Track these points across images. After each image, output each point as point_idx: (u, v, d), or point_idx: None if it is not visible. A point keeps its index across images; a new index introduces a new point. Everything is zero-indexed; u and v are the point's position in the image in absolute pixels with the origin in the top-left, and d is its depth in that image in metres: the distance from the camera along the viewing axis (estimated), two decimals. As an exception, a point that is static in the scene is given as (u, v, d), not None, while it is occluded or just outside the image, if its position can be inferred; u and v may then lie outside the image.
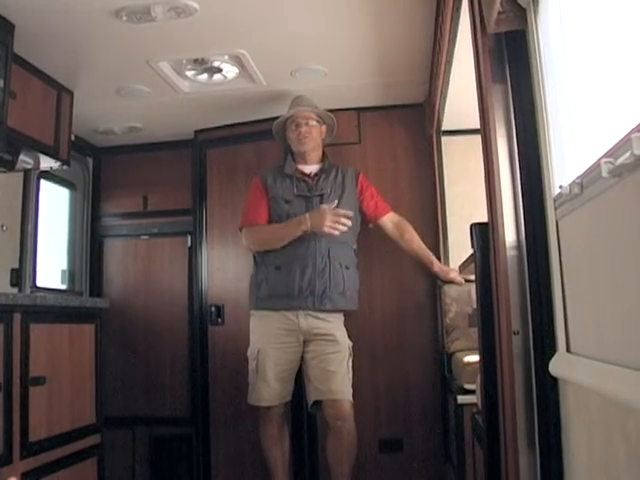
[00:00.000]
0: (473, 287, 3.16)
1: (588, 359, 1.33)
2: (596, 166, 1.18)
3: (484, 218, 1.88)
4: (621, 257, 1.15)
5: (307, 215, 3.18)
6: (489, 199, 1.80)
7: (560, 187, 1.44)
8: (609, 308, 1.24)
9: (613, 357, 1.19)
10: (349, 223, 3.16)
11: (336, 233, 3.13)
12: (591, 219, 1.32)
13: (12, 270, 3.63)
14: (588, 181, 1.26)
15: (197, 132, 4.24)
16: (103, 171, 4.51)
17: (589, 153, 1.29)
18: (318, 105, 3.46)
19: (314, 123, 3.40)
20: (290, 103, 3.47)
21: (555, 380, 1.57)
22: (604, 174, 1.09)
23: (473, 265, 2.06)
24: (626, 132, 1.04)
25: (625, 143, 1.03)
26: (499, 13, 1.65)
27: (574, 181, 1.34)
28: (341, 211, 3.16)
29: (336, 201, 3.21)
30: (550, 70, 1.61)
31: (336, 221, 3.12)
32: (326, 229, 3.12)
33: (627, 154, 1.00)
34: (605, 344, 1.27)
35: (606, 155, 1.12)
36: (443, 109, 3.45)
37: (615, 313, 1.20)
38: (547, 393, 1.60)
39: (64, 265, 4.34)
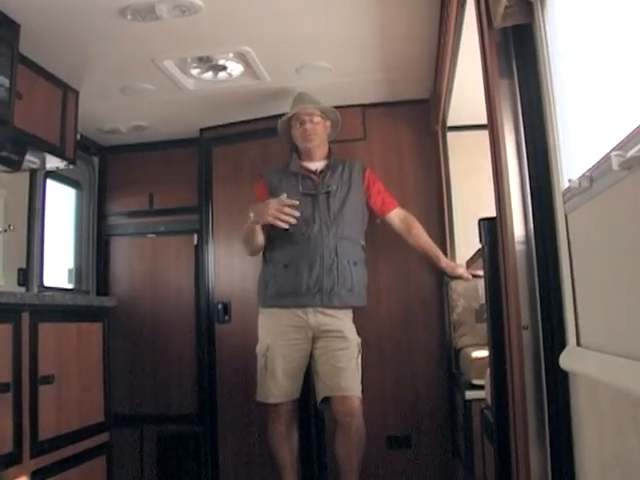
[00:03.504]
0: (480, 283, 3.18)
1: (599, 352, 1.32)
2: (606, 159, 1.18)
3: (490, 213, 1.88)
4: (632, 250, 1.15)
5: (251, 209, 3.19)
6: (497, 194, 1.79)
7: (569, 181, 1.43)
8: (619, 301, 1.23)
9: (624, 350, 1.19)
10: (296, 213, 3.13)
11: (281, 224, 3.11)
12: (601, 212, 1.32)
13: (19, 270, 3.64)
14: (598, 174, 1.26)
15: (202, 130, 4.25)
16: (109, 170, 4.52)
17: (598, 146, 1.28)
18: (320, 101, 3.45)
19: (318, 119, 3.40)
20: (292, 101, 3.47)
21: (565, 374, 1.57)
22: (614, 167, 1.09)
23: (481, 260, 2.06)
24: (637, 124, 1.03)
25: (636, 135, 1.02)
26: (506, 7, 1.65)
27: (583, 174, 1.33)
28: (286, 201, 3.13)
29: (285, 194, 3.15)
30: (557, 64, 1.61)
31: (279, 210, 3.11)
32: (270, 219, 3.12)
33: (638, 146, 1.00)
34: (616, 337, 1.26)
35: (616, 148, 1.12)
36: (448, 105, 3.45)
37: (625, 306, 1.20)
38: (557, 387, 1.60)
39: (71, 264, 4.34)
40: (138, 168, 4.43)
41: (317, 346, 3.23)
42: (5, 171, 3.25)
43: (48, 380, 2.56)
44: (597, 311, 1.39)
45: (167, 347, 4.21)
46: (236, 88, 3.61)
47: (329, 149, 3.49)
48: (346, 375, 3.14)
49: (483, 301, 3.08)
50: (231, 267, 4.04)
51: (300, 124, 3.37)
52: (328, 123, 3.47)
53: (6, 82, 2.68)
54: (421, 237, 3.50)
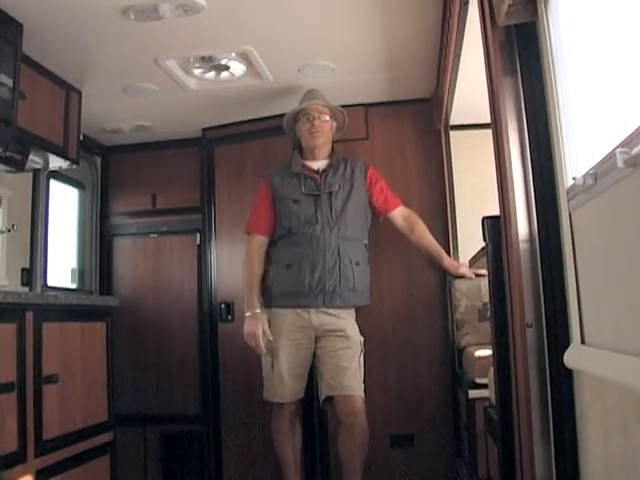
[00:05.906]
0: (483, 281, 3.18)
1: (604, 350, 1.32)
2: (611, 156, 1.18)
3: (494, 212, 1.88)
4: (637, 247, 1.14)
5: (247, 317, 3.24)
6: (501, 192, 1.79)
7: (573, 178, 1.43)
8: (624, 299, 1.23)
9: (629, 347, 1.19)
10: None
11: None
12: (605, 210, 1.32)
13: (23, 270, 3.64)
14: (602, 172, 1.26)
15: (205, 130, 4.25)
16: (111, 170, 4.52)
17: (603, 144, 1.28)
18: (330, 100, 3.45)
19: (327, 118, 3.38)
20: (303, 96, 3.44)
21: (570, 372, 1.57)
22: (619, 164, 1.09)
23: (484, 259, 2.06)
24: (642, 122, 1.03)
25: (641, 133, 1.02)
26: (509, 5, 1.65)
27: (588, 172, 1.33)
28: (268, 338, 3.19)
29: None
30: (561, 62, 1.60)
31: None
32: (250, 343, 3.21)
33: (643, 144, 1.00)
34: (621, 335, 1.26)
35: (621, 145, 1.12)
36: (451, 104, 3.44)
37: (630, 304, 1.19)
38: (562, 385, 1.60)
39: (74, 264, 4.35)
40: (141, 168, 4.43)
41: (320, 345, 3.23)
42: (8, 171, 3.25)
43: (52, 379, 2.57)
44: (602, 309, 1.38)
45: (170, 347, 4.21)
46: (239, 88, 3.60)
47: (332, 147, 3.47)
48: (348, 374, 3.13)
49: (486, 300, 3.08)
50: (234, 267, 4.02)
51: (307, 120, 3.36)
52: (334, 124, 3.46)
53: (9, 82, 2.68)
54: (424, 236, 3.48)
